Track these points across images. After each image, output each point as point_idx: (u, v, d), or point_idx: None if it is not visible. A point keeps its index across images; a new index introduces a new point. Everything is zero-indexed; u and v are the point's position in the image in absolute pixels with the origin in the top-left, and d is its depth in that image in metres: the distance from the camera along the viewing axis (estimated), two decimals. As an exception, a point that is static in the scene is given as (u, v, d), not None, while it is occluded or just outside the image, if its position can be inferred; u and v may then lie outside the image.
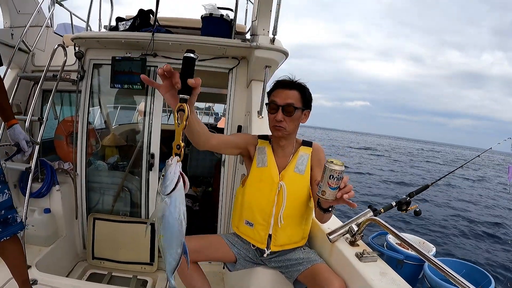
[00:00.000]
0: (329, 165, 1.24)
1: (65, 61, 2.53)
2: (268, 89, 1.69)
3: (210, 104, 8.82)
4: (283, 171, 1.60)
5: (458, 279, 0.98)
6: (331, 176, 1.23)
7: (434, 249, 2.57)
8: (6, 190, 1.68)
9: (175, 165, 0.88)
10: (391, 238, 2.95)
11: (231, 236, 1.75)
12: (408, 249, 2.48)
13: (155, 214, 0.91)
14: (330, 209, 1.40)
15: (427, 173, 18.80)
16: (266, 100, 2.38)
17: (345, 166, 1.23)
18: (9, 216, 1.69)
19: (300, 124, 1.61)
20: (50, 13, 2.83)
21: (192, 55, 0.87)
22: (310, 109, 1.62)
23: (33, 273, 2.13)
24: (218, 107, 9.10)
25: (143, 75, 0.94)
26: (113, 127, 4.35)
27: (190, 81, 0.85)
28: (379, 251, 1.54)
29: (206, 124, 5.88)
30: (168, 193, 0.88)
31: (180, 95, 0.88)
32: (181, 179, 0.89)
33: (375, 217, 1.43)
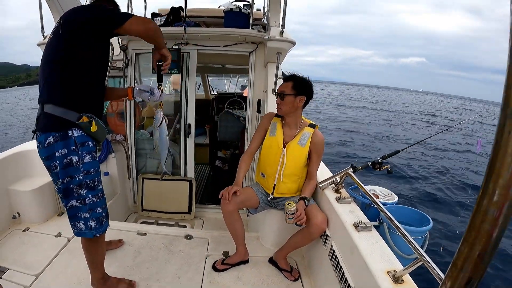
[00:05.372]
0: (286, 207, 1.98)
1: (113, 54, 3.11)
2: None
3: (235, 77, 9.36)
4: (290, 142, 2.16)
5: (386, 213, 1.57)
6: (287, 213, 1.99)
7: (396, 198, 3.15)
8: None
9: (160, 114, 2.10)
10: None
11: (256, 185, 2.37)
12: (377, 197, 3.05)
13: (155, 137, 2.22)
14: (305, 201, 2.08)
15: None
16: (278, 81, 2.95)
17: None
18: None
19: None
20: None
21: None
22: (306, 95, 2.10)
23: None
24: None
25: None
26: (148, 99, 4.92)
27: None
28: (353, 197, 2.11)
29: (233, 94, 6.21)
30: (158, 126, 2.13)
31: None
32: (164, 120, 2.14)
33: (349, 172, 2.01)
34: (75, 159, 1.59)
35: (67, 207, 1.67)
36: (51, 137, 1.56)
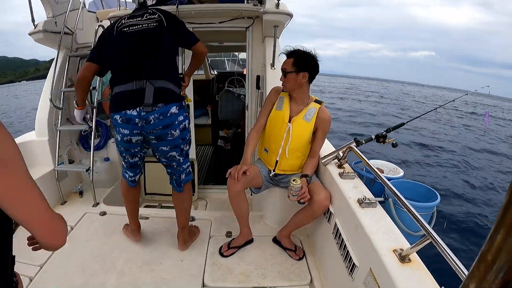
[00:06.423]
0: (291, 183, 1.93)
1: None
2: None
3: (236, 53, 9.13)
4: (295, 117, 2.09)
5: (391, 188, 1.50)
6: (291, 189, 1.94)
7: (402, 173, 3.06)
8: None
9: None
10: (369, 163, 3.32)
11: (258, 162, 2.30)
12: (381, 171, 2.97)
13: None
14: (307, 179, 2.05)
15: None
16: (277, 54, 2.83)
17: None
18: None
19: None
20: None
21: None
22: (308, 71, 1.99)
23: (101, 207, 2.78)
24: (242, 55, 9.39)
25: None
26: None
27: None
28: (357, 172, 2.04)
29: (233, 72, 6.22)
30: None
31: None
32: None
33: (352, 146, 1.94)
34: (187, 122, 1.94)
35: (179, 163, 2.05)
36: (175, 107, 1.83)
